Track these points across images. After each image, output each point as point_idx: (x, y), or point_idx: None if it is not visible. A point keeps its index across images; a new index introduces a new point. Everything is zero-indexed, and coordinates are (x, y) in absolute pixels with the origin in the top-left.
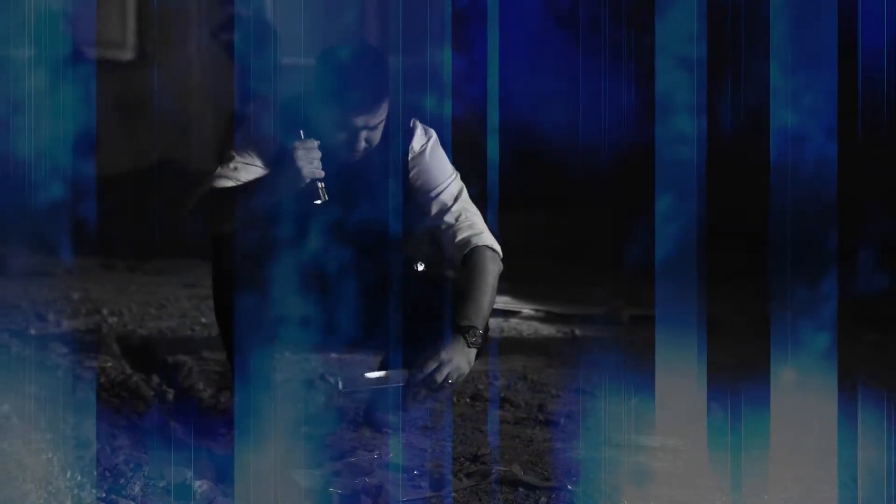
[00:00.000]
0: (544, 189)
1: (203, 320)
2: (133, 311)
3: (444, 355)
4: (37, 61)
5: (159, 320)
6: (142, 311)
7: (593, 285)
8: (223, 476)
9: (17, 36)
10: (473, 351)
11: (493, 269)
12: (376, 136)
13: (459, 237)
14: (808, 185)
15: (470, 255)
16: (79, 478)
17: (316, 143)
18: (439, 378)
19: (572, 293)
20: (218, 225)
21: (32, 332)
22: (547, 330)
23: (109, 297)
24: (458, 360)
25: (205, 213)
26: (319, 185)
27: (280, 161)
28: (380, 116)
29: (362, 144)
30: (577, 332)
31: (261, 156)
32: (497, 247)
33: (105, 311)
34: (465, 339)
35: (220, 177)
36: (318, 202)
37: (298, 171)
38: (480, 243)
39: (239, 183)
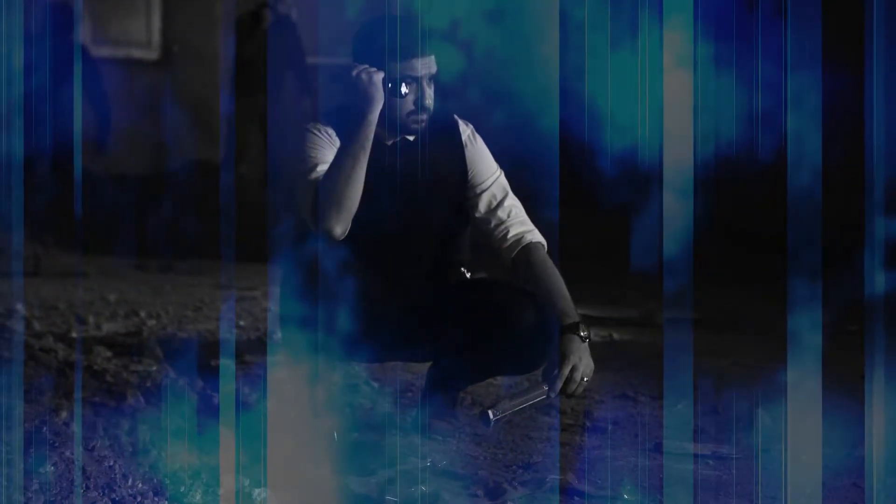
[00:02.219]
0: (575, 188)
1: (241, 323)
2: (170, 313)
3: (573, 358)
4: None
5: (197, 322)
6: (179, 313)
7: (626, 287)
8: (280, 483)
9: None
10: (587, 343)
11: (551, 262)
12: (433, 97)
13: (512, 233)
14: None
15: (527, 252)
16: (140, 485)
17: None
18: (577, 378)
19: (605, 296)
20: (342, 198)
21: (74, 335)
22: None
23: (145, 298)
24: (585, 358)
25: (325, 197)
26: (390, 84)
27: (354, 95)
28: (434, 66)
29: (427, 101)
30: (615, 335)
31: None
32: (545, 243)
33: (143, 314)
34: (578, 336)
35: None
36: (405, 91)
37: (373, 84)
38: (534, 240)
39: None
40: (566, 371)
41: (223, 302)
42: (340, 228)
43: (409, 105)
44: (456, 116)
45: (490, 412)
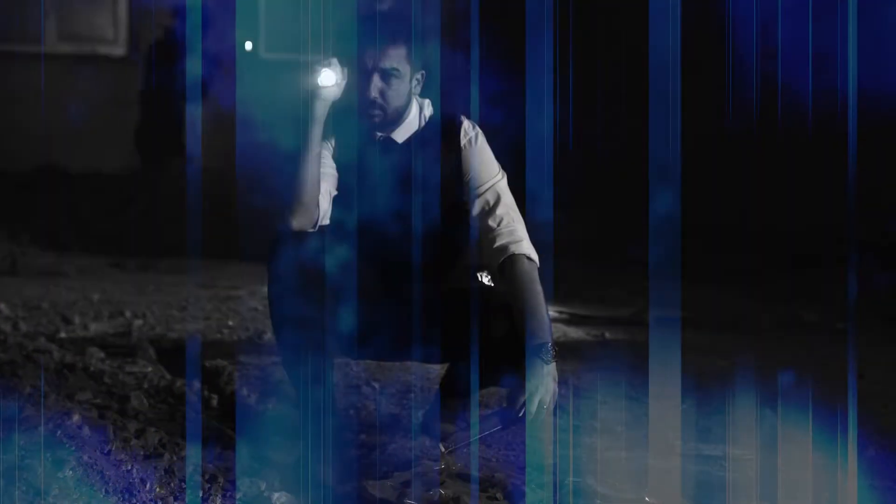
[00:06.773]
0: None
1: (230, 323)
2: (156, 313)
3: (529, 386)
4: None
5: (185, 322)
6: (164, 313)
7: (613, 286)
8: (293, 487)
9: None
10: (553, 365)
11: (535, 277)
12: (391, 93)
13: (498, 243)
14: None
15: (508, 264)
16: (157, 489)
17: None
18: (533, 409)
19: (592, 294)
20: (294, 191)
21: (63, 335)
22: (575, 332)
23: (128, 298)
24: (544, 383)
25: (285, 191)
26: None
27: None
28: (391, 61)
29: (373, 94)
30: (607, 334)
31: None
32: (535, 256)
33: (128, 314)
34: (540, 359)
35: None
36: (327, 82)
37: (316, 76)
38: (518, 252)
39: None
40: (520, 402)
41: (208, 301)
42: (297, 221)
43: (361, 98)
44: (463, 118)
45: (441, 445)
